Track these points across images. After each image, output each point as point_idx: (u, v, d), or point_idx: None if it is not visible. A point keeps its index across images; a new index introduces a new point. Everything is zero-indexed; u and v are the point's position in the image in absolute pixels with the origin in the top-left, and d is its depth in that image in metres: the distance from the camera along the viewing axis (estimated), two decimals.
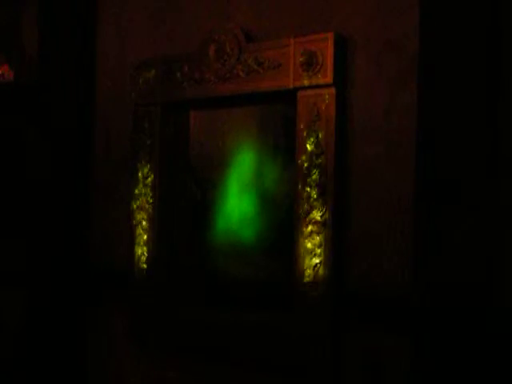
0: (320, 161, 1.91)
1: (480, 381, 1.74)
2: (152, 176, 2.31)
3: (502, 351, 1.71)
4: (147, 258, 2.31)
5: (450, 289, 1.78)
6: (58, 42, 2.60)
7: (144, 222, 2.32)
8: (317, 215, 1.91)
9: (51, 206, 2.57)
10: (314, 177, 1.92)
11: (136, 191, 2.35)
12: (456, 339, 1.76)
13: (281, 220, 2.09)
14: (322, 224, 1.90)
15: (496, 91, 1.78)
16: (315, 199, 1.92)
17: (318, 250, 1.90)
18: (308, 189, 1.93)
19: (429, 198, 1.80)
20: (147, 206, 2.32)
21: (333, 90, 1.90)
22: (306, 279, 1.92)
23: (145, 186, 2.33)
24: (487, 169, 1.76)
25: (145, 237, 2.32)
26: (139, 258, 2.33)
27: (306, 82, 1.93)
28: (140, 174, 2.34)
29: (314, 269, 1.91)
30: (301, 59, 1.94)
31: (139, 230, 2.34)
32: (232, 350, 2.11)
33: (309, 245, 1.92)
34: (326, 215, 1.89)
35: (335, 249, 1.89)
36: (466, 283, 1.76)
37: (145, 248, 2.32)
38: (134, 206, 2.35)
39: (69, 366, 2.56)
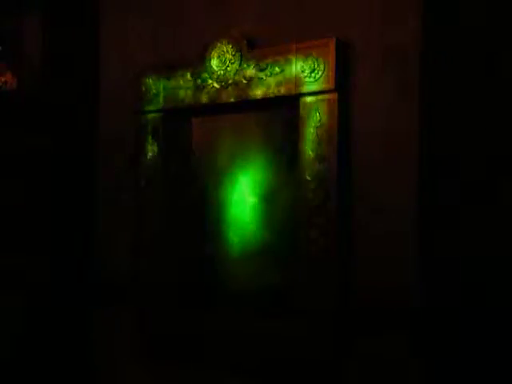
0: (322, 166, 1.90)
1: (483, 381, 1.73)
2: (154, 183, 2.31)
3: (506, 352, 1.69)
4: (150, 263, 2.31)
5: (453, 290, 1.77)
6: (61, 50, 2.62)
7: (146, 228, 2.32)
8: (319, 221, 1.90)
9: (54, 211, 2.57)
10: (316, 183, 1.91)
11: (139, 198, 2.35)
12: (459, 340, 1.75)
13: (284, 226, 2.08)
14: (325, 230, 1.89)
15: (498, 96, 1.77)
16: (318, 205, 1.91)
17: (321, 256, 1.89)
18: (310, 195, 1.92)
19: (431, 201, 1.79)
20: (150, 212, 2.31)
21: (335, 96, 1.89)
22: (309, 284, 1.91)
23: (147, 192, 2.32)
24: (489, 169, 1.75)
25: (147, 242, 2.31)
26: (142, 262, 2.33)
27: (308, 88, 1.93)
28: (143, 181, 2.33)
29: (317, 274, 1.90)
30: (303, 65, 1.94)
31: (142, 236, 2.33)
32: (234, 356, 2.10)
33: (312, 250, 1.91)
34: (329, 221, 1.88)
35: (338, 253, 1.88)
36: (469, 284, 1.75)
37: (147, 253, 2.31)
38: (137, 212, 2.35)
39: (72, 369, 2.56)
